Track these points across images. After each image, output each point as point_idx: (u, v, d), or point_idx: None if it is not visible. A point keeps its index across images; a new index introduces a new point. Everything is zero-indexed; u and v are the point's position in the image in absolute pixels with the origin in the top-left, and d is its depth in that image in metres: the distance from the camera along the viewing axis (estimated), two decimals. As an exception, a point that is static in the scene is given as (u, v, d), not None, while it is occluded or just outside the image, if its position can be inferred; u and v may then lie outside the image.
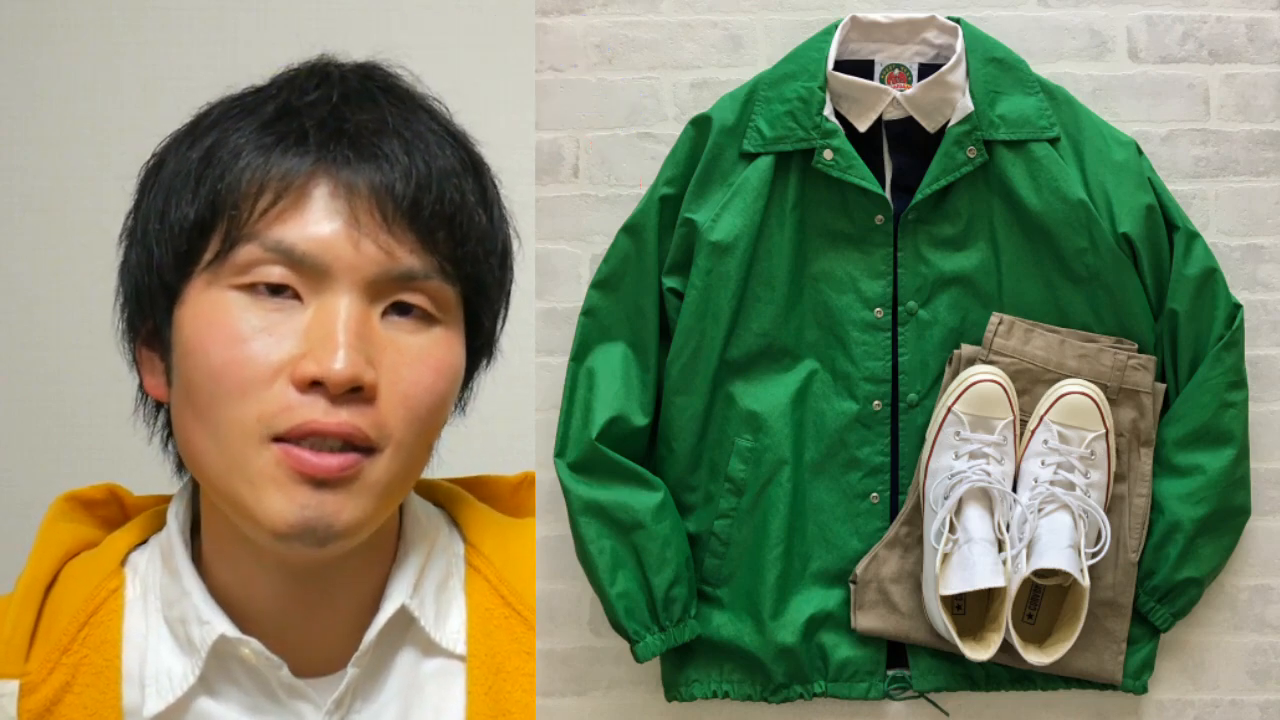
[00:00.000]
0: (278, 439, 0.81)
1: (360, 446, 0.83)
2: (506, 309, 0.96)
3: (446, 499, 1.01)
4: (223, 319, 0.82)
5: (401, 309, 0.86)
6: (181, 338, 0.85)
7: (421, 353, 0.85)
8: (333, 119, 0.85)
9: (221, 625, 0.87)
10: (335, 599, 0.90)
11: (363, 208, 0.83)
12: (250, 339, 0.81)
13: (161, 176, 0.88)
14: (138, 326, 0.90)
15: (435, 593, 0.93)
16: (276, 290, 0.83)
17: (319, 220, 0.83)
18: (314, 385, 0.81)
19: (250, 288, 0.83)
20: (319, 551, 0.83)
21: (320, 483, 0.81)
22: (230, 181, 0.83)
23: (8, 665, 0.87)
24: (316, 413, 0.81)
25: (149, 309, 0.88)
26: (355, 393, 0.82)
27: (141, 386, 0.93)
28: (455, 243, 0.87)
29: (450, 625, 0.93)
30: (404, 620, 0.91)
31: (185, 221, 0.84)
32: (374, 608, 0.90)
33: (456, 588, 0.94)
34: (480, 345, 0.94)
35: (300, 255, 0.82)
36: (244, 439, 0.81)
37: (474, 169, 0.91)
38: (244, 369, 0.81)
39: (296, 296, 0.83)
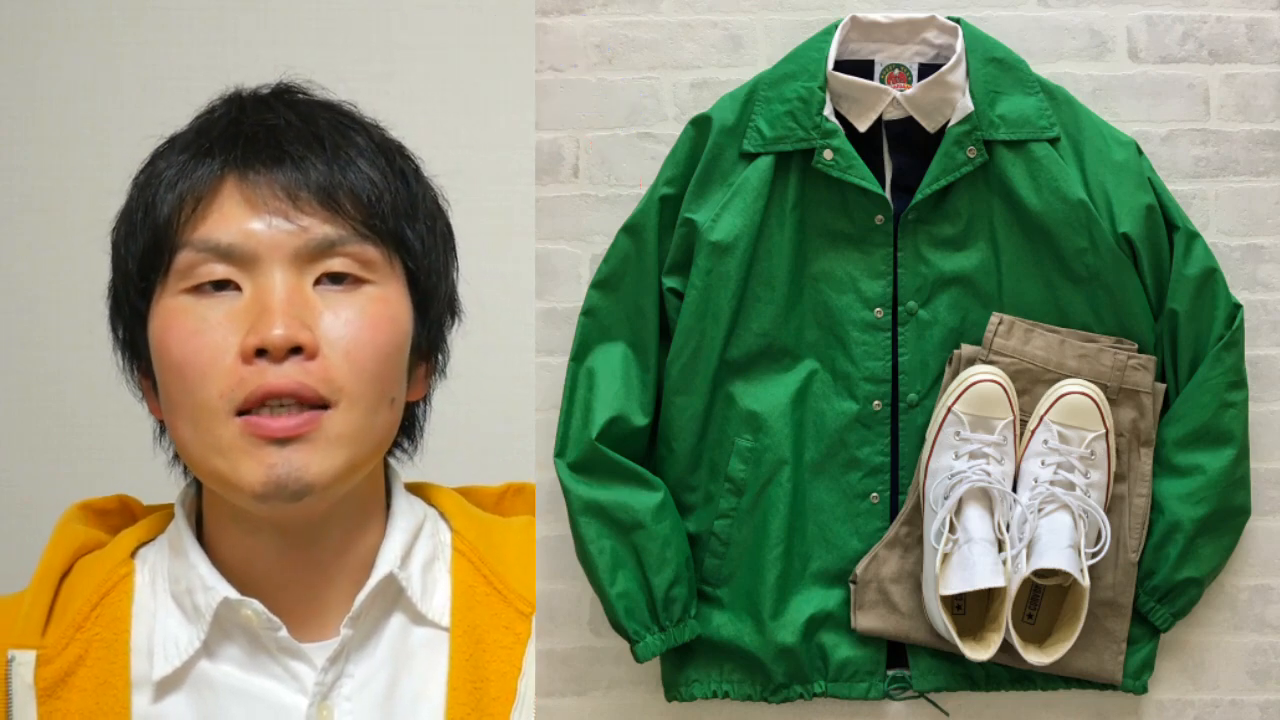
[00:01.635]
0: (241, 412, 0.90)
1: (313, 403, 0.91)
2: (455, 266, 1.04)
3: (435, 497, 1.07)
4: (177, 320, 0.93)
5: (334, 278, 0.94)
6: (153, 346, 0.95)
7: (357, 311, 0.94)
8: (231, 127, 0.96)
9: (224, 589, 0.95)
10: (328, 569, 0.98)
11: (269, 194, 0.93)
12: (202, 331, 0.92)
13: (118, 229, 0.99)
14: (134, 363, 1.01)
15: (422, 570, 1.00)
16: (220, 286, 0.93)
17: (236, 215, 0.93)
18: (260, 354, 0.91)
19: (197, 289, 0.93)
20: (297, 506, 0.91)
21: (283, 441, 0.90)
22: (159, 204, 0.95)
23: (26, 638, 0.96)
24: (267, 377, 0.90)
25: (134, 343, 0.99)
26: (297, 353, 0.91)
27: (152, 414, 1.02)
28: (365, 207, 0.96)
29: (437, 599, 1.00)
30: (393, 591, 0.99)
31: (136, 251, 0.96)
32: (365, 580, 0.98)
33: (442, 568, 1.02)
34: (427, 299, 1.00)
35: (227, 248, 0.93)
36: (211, 418, 0.91)
37: (380, 148, 0.99)
38: (200, 356, 0.91)
39: (237, 287, 0.93)
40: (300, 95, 1.01)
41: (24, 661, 0.94)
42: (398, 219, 0.97)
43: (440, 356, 1.05)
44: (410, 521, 1.01)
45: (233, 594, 0.95)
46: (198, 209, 0.93)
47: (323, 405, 0.91)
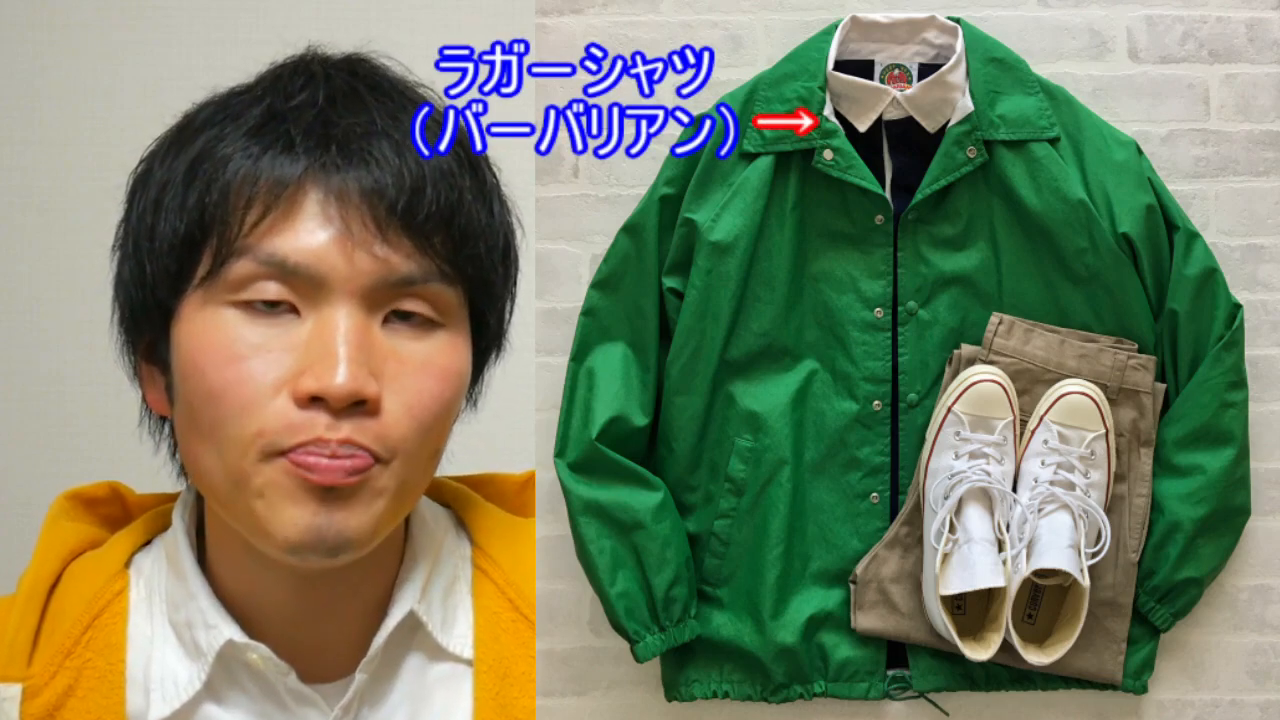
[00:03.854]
0: (284, 453, 0.80)
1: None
2: (513, 302, 0.94)
3: (453, 499, 1.00)
4: (219, 338, 0.80)
5: (403, 315, 0.83)
6: (179, 358, 0.83)
7: (425, 360, 0.83)
8: (319, 123, 0.83)
9: (229, 630, 0.86)
10: (343, 604, 0.89)
11: (355, 215, 0.81)
12: (248, 358, 0.80)
13: (149, 187, 0.86)
14: (136, 341, 0.89)
15: (442, 597, 0.92)
16: (273, 305, 0.81)
17: (311, 230, 0.80)
18: (315, 400, 0.79)
19: (246, 304, 0.81)
20: (330, 561, 0.82)
21: (328, 491, 0.80)
22: (218, 194, 0.81)
23: (11, 669, 0.86)
24: (319, 429, 0.79)
25: (145, 325, 0.86)
26: (358, 406, 0.80)
27: (144, 400, 0.92)
28: (454, 244, 0.84)
29: (458, 629, 0.92)
30: (411, 625, 0.90)
31: (175, 237, 0.82)
32: (381, 612, 0.89)
33: (464, 591, 0.93)
34: (487, 344, 0.92)
35: (294, 267, 0.80)
36: (248, 457, 0.80)
37: (469, 162, 0.88)
38: (243, 389, 0.79)
39: (293, 310, 0.81)
40: (385, 82, 0.88)
41: (9, 696, 0.85)
42: (482, 258, 0.86)
43: (477, 391, 0.96)
44: (431, 547, 0.93)
45: (238, 635, 0.85)
46: (268, 215, 0.80)
47: (375, 458, 0.81)
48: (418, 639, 0.91)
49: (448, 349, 0.85)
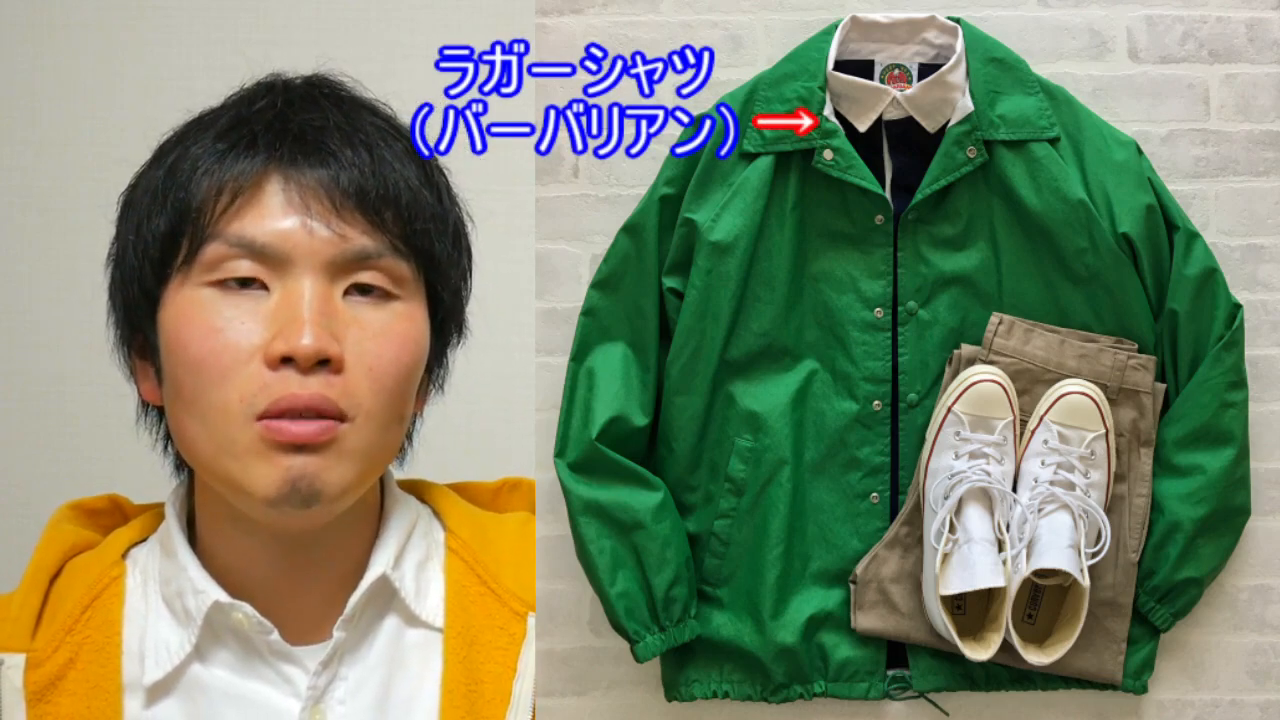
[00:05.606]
0: (260, 417, 0.88)
1: (332, 416, 0.90)
2: (468, 286, 1.03)
3: (429, 495, 1.07)
4: (198, 314, 0.90)
5: (363, 289, 0.93)
6: (165, 337, 0.93)
7: (383, 327, 0.93)
8: (279, 122, 0.94)
9: (215, 593, 0.94)
10: (321, 570, 0.97)
11: (312, 197, 0.91)
12: (224, 329, 0.89)
13: (134, 199, 0.97)
14: (130, 339, 0.98)
15: (416, 570, 0.99)
16: (245, 283, 0.91)
17: (274, 213, 0.91)
18: (285, 362, 0.89)
19: (221, 283, 0.91)
20: (305, 513, 0.90)
21: (300, 448, 0.88)
22: (192, 189, 0.92)
23: (14, 641, 0.94)
24: (291, 386, 0.88)
25: (136, 320, 0.96)
26: (323, 365, 0.89)
27: (140, 395, 1.00)
28: (404, 221, 0.94)
29: (430, 600, 0.99)
30: (386, 592, 0.98)
31: (157, 231, 0.92)
32: (358, 582, 0.96)
33: (436, 568, 1.01)
34: (444, 320, 1.01)
35: (261, 247, 0.90)
36: (229, 420, 0.89)
37: (415, 158, 0.98)
38: (222, 356, 0.89)
39: (263, 286, 0.91)
40: (343, 92, 0.99)
41: (13, 665, 0.93)
42: (432, 236, 0.96)
43: (442, 373, 1.04)
44: (403, 522, 1.00)
45: (223, 597, 0.93)
46: (235, 202, 0.91)
47: (340, 418, 0.90)
48: (393, 606, 0.98)
49: (404, 317, 0.95)
